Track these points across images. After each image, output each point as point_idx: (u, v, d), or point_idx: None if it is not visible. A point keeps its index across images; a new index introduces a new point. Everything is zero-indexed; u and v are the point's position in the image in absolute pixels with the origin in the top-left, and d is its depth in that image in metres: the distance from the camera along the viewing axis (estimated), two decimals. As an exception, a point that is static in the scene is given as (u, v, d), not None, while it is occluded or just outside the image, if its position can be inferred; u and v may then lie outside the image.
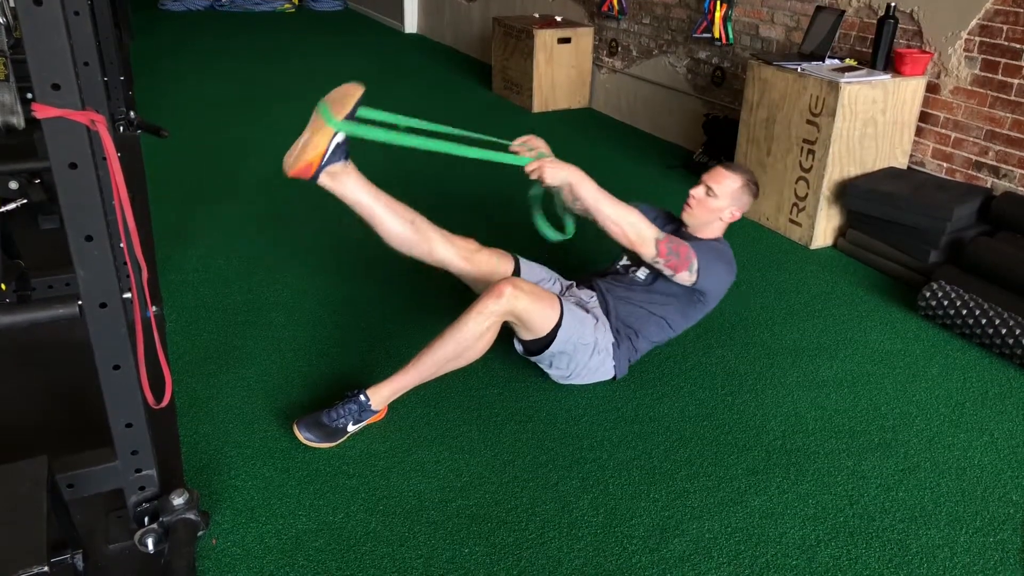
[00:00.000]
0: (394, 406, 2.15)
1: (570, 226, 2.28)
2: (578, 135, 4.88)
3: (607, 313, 2.30)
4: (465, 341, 2.03)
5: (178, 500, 1.64)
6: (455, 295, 2.80)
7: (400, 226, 2.15)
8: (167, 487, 1.70)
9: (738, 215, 2.32)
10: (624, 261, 2.47)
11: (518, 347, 2.26)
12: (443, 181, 3.84)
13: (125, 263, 1.63)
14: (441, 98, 5.52)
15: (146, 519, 1.67)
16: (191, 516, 1.64)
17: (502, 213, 3.47)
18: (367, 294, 2.84)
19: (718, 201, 2.28)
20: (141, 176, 3.90)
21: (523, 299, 2.04)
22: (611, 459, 2.04)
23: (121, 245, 1.66)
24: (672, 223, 2.45)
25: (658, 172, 4.22)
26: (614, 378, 2.32)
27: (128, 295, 1.60)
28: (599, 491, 1.92)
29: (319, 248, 3.19)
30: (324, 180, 2.03)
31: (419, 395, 2.21)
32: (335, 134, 1.99)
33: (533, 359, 2.25)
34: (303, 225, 3.40)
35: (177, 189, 3.78)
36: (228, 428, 2.10)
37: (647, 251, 2.11)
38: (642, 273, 2.35)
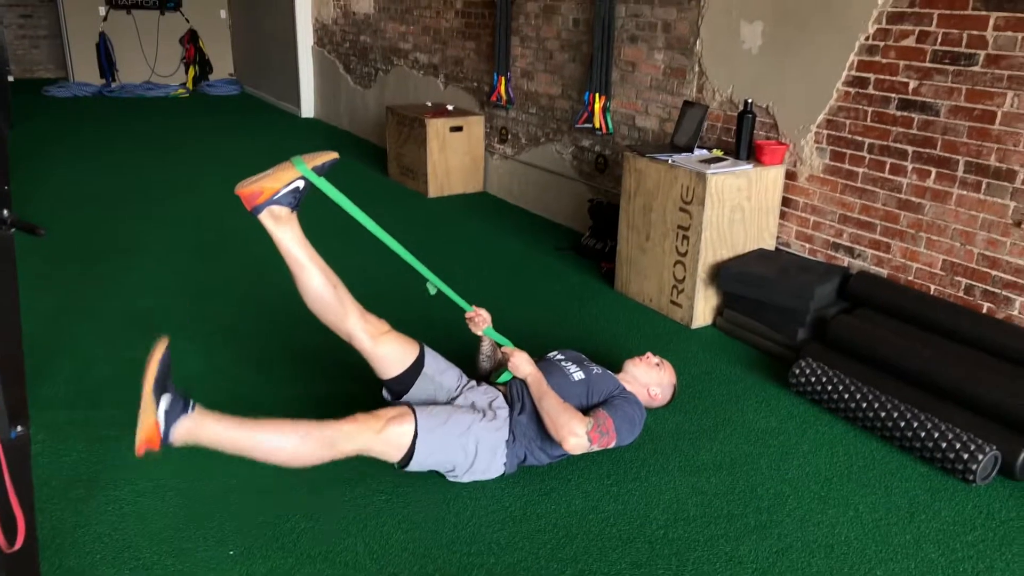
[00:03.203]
0: (278, 516, 2.09)
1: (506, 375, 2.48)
2: (474, 218, 4.99)
3: (512, 408, 2.34)
4: (303, 456, 2.08)
5: (29, 653, 1.53)
6: (341, 398, 2.77)
7: (322, 287, 2.21)
8: (20, 636, 1.59)
9: (659, 400, 2.59)
10: (559, 356, 2.57)
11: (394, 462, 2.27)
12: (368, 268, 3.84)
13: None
14: (338, 183, 5.59)
15: (-7, 676, 1.55)
16: (44, 670, 1.53)
17: (418, 305, 3.48)
18: (250, 399, 2.78)
19: (660, 376, 2.57)
20: (13, 279, 3.73)
21: (357, 441, 2.11)
22: (498, 563, 2.04)
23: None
24: (599, 365, 2.58)
25: (549, 254, 4.35)
26: (503, 475, 2.34)
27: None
28: (485, 599, 1.91)
29: (199, 358, 3.10)
30: (266, 218, 2.11)
31: (300, 507, 2.17)
32: (298, 178, 2.10)
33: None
34: (185, 332, 3.30)
35: (53, 290, 3.63)
36: (95, 559, 1.99)
37: (577, 445, 2.23)
38: (576, 375, 2.44)
